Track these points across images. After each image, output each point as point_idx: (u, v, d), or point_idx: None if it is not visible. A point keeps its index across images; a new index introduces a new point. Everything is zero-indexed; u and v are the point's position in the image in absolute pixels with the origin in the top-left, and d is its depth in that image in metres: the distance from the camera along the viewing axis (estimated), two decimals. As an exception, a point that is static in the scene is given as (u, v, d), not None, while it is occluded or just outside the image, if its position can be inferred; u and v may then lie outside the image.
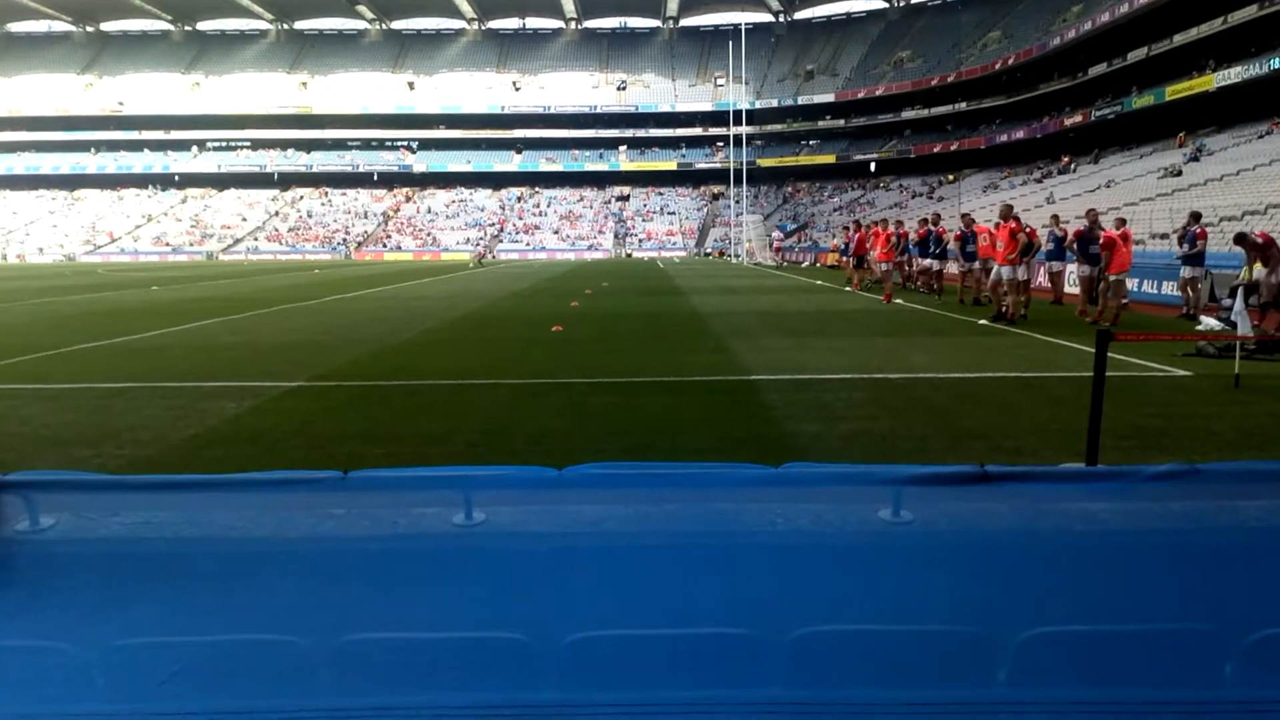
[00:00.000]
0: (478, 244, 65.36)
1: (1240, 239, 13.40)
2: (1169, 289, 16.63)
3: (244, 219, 78.79)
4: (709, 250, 69.31)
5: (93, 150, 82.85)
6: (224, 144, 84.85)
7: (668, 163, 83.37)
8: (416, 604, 1.66)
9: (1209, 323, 12.22)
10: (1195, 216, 14.57)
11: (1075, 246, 14.95)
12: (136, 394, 7.70)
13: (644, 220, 78.90)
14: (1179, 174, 37.24)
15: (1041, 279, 18.50)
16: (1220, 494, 1.81)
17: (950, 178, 65.20)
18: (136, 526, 1.91)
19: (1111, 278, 13.46)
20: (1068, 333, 11.94)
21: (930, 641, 1.51)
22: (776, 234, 57.95)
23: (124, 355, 10.48)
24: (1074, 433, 5.29)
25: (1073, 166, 52.80)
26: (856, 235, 23.23)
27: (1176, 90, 45.98)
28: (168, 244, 73.19)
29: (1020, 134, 61.24)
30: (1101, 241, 13.74)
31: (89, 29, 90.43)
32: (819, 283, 26.78)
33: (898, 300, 18.13)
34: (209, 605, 1.69)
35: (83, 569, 1.78)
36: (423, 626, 1.58)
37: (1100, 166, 49.23)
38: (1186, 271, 14.47)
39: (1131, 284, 18.64)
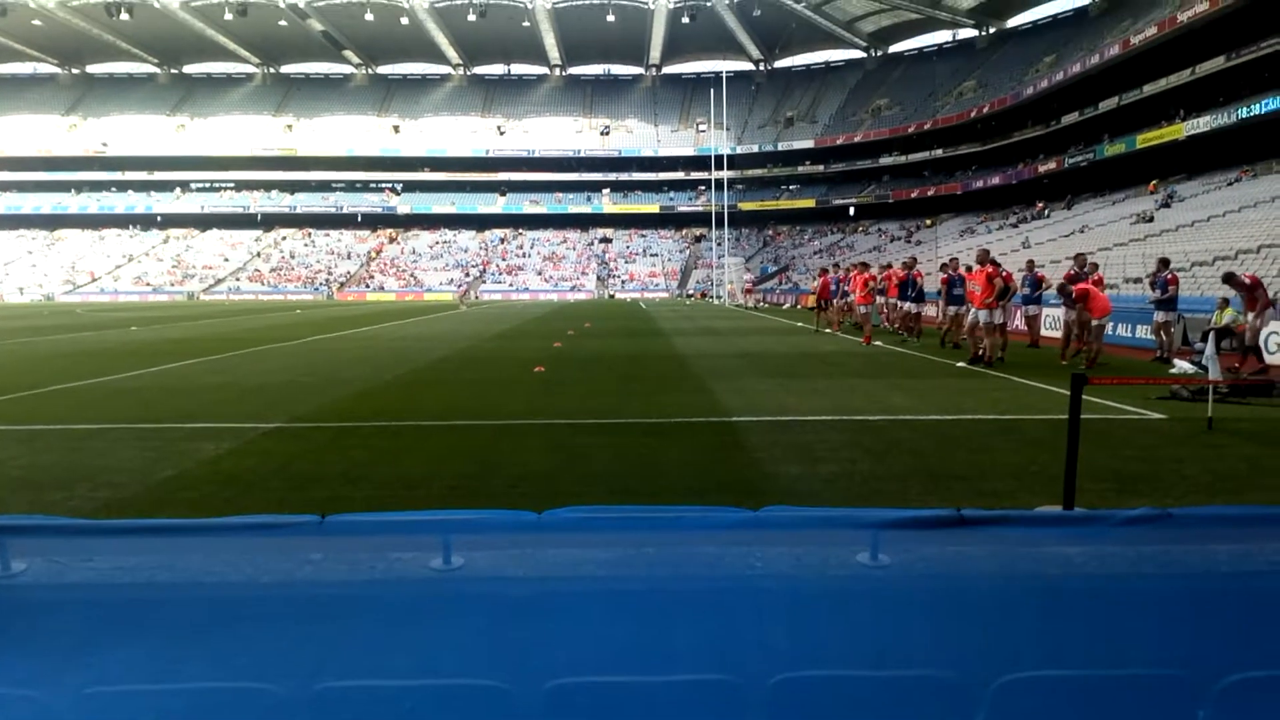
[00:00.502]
0: (460, 285, 65.43)
1: (1229, 278, 13.61)
2: (1143, 332, 16.87)
3: (226, 259, 78.61)
4: (691, 292, 69.77)
5: (74, 190, 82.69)
6: (208, 185, 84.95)
7: (650, 205, 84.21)
8: (394, 650, 1.65)
9: (1182, 366, 12.40)
10: (1164, 263, 14.84)
11: (1056, 289, 15.22)
12: (113, 435, 7.62)
13: (627, 262, 79.41)
14: (1151, 220, 38.00)
15: (1018, 322, 18.73)
16: (1191, 538, 1.84)
17: (928, 222, 66.20)
18: (110, 572, 1.88)
19: (1094, 322, 13.67)
20: (1045, 376, 12.07)
21: (908, 686, 1.51)
22: (748, 277, 58.49)
23: (101, 396, 10.38)
24: (1051, 475, 5.33)
25: (1047, 212, 53.78)
26: (820, 280, 23.56)
27: (1147, 139, 47.11)
28: (148, 284, 72.80)
29: (996, 180, 62.42)
30: (1075, 293, 13.97)
31: (74, 71, 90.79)
32: (799, 324, 26.96)
33: (877, 342, 18.28)
34: (184, 652, 1.67)
35: (55, 615, 1.76)
36: (400, 673, 1.57)
37: (1074, 212, 50.18)
38: (1159, 316, 14.70)
39: (1106, 328, 18.92)
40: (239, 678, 1.58)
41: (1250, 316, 13.13)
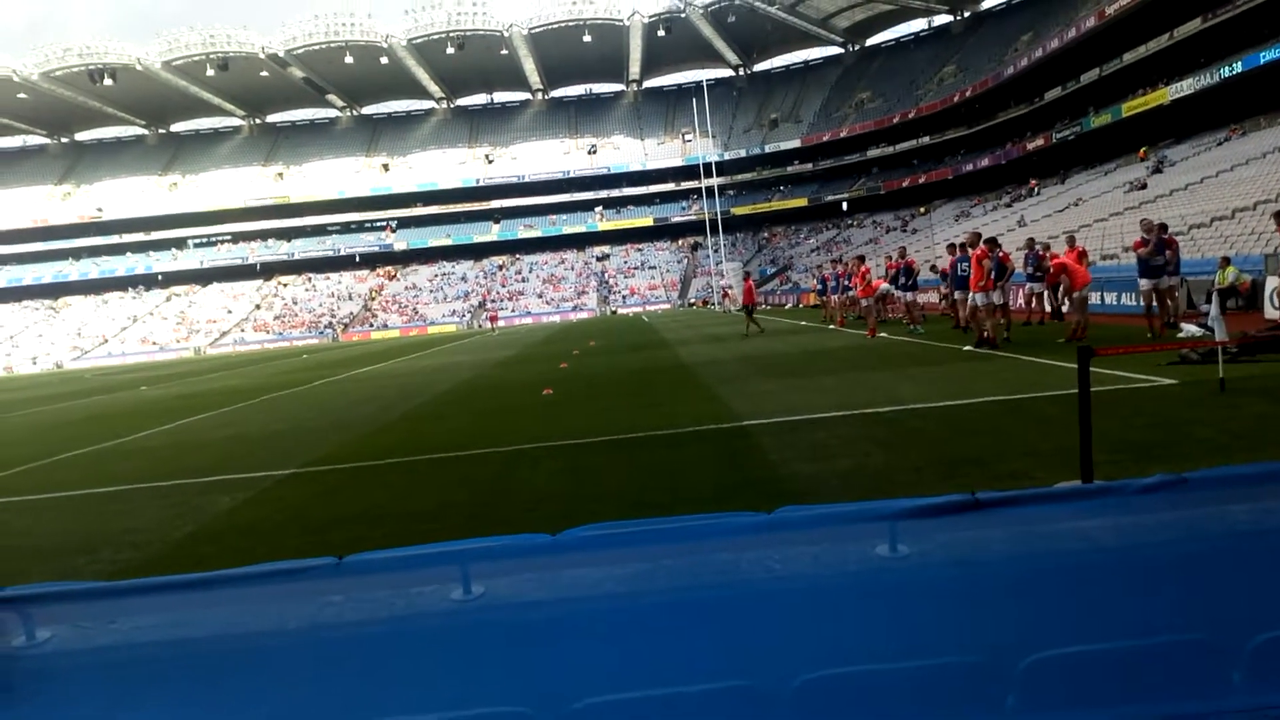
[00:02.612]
0: (486, 312, 66.19)
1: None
2: (1129, 300, 16.88)
3: (229, 311, 79.05)
4: (692, 301, 69.83)
5: (73, 259, 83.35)
6: (205, 240, 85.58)
7: (644, 219, 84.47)
8: (420, 685, 1.65)
9: (1189, 329, 12.34)
10: (1163, 227, 14.75)
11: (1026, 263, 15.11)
12: (131, 496, 7.64)
13: (626, 277, 79.56)
14: (1144, 187, 37.92)
15: (1020, 301, 18.69)
16: (1209, 501, 1.83)
17: (922, 210, 66.24)
18: (133, 632, 1.89)
19: (1075, 294, 13.67)
20: (1052, 352, 12.03)
21: (935, 675, 1.50)
22: (723, 282, 58.57)
23: (116, 458, 10.42)
24: (1067, 451, 5.31)
25: (1037, 189, 53.76)
26: (848, 271, 23.47)
27: (1133, 106, 47.11)
28: (154, 343, 73.20)
29: (985, 162, 62.45)
30: (1053, 268, 13.96)
31: (64, 140, 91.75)
32: (802, 323, 26.94)
33: (882, 334, 18.25)
34: (211, 704, 1.67)
35: (83, 679, 1.76)
36: (426, 708, 1.57)
37: (1067, 186, 50.13)
38: (1164, 282, 14.55)
39: (1110, 297, 18.90)
40: None
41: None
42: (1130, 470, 5.08)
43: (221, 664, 1.76)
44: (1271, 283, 13.72)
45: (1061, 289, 13.96)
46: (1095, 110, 50.85)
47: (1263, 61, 38.44)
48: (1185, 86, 43.03)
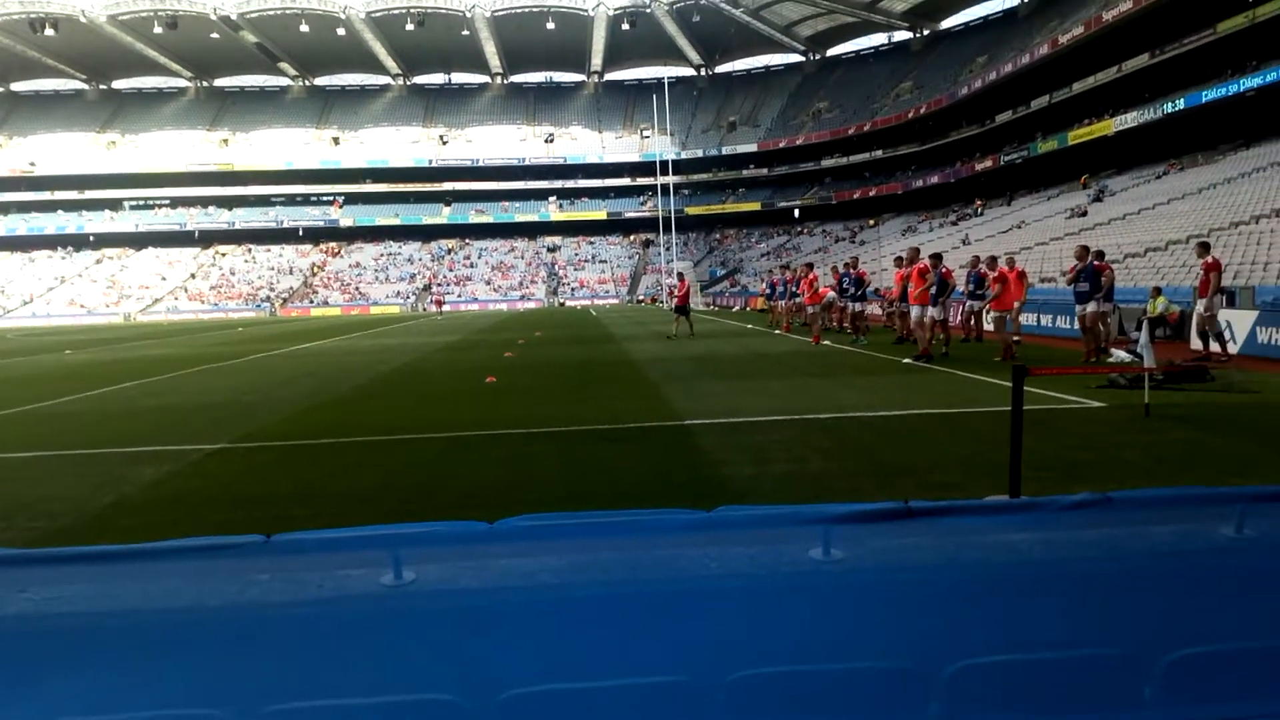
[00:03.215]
0: (432, 295, 65.32)
1: (1203, 249, 13.54)
2: (1064, 323, 17.51)
3: (163, 278, 76.68)
4: (641, 298, 69.92)
5: (2, 212, 79.97)
6: (142, 203, 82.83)
7: (597, 212, 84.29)
8: (345, 669, 1.62)
9: (1119, 355, 12.76)
10: (1099, 254, 15.18)
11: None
12: (49, 463, 7.37)
13: (576, 269, 79.33)
14: (1085, 214, 39.11)
15: (958, 319, 19.12)
16: (1132, 520, 1.89)
17: (871, 222, 67.36)
18: (47, 602, 1.82)
19: (1007, 313, 14.24)
20: (987, 369, 12.33)
21: (863, 678, 1.53)
22: (669, 280, 58.65)
23: (36, 422, 10.03)
24: (997, 466, 5.44)
25: (982, 210, 55.06)
26: (796, 278, 23.76)
27: (1078, 135, 48.54)
28: (83, 306, 70.68)
29: (935, 179, 63.74)
30: (995, 277, 14.52)
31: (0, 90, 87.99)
32: (749, 326, 27.17)
33: (826, 342, 18.50)
34: (129, 682, 1.62)
35: (-8, 648, 1.70)
36: (352, 692, 1.54)
37: (1012, 208, 51.44)
38: (1093, 307, 14.93)
39: (1046, 319, 19.45)
40: (187, 705, 1.54)
41: (1201, 302, 13.29)
42: (1057, 488, 5.23)
43: (141, 639, 1.70)
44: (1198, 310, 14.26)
45: (988, 302, 14.68)
46: (1043, 136, 52.27)
47: (1204, 100, 39.94)
48: (1129, 119, 44.48)
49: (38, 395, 12.82)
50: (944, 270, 14.70)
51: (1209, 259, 13.13)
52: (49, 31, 72.18)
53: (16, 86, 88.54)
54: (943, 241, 45.82)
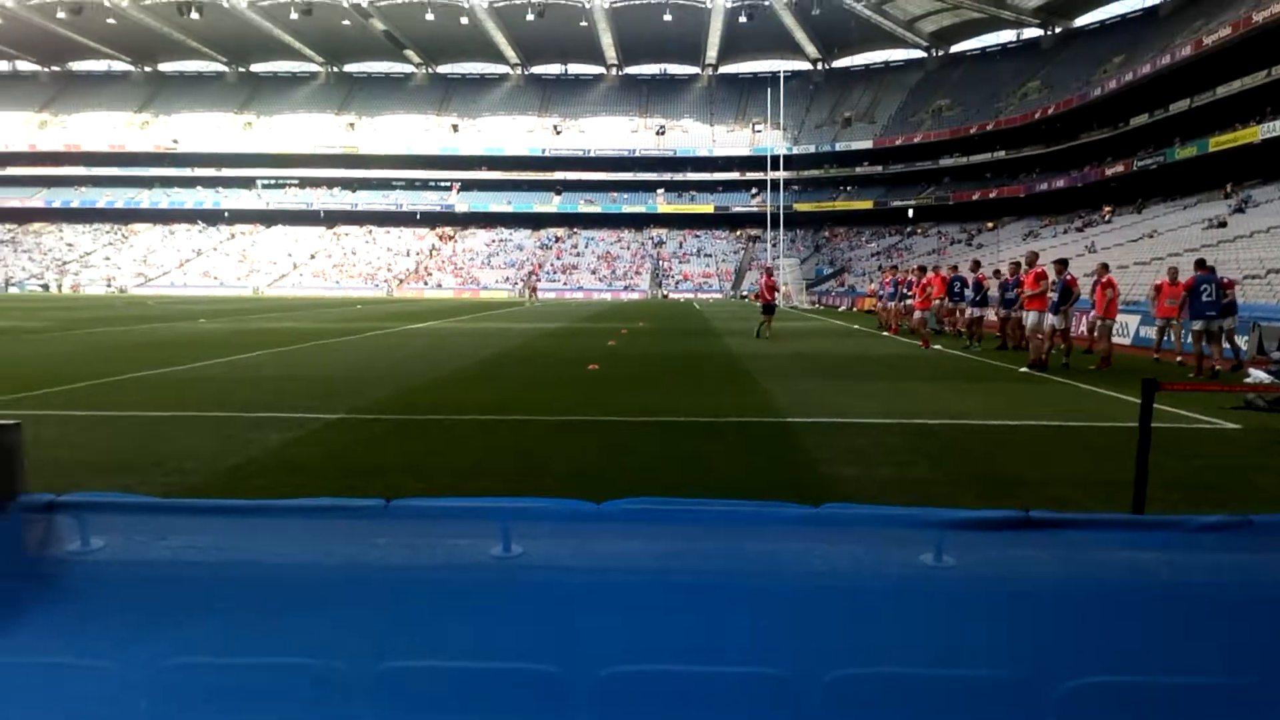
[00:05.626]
0: (529, 280, 66.08)
1: None
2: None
3: (289, 255, 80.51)
4: (744, 294, 69.40)
5: (145, 187, 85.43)
6: (273, 182, 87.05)
7: (705, 206, 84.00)
8: (454, 633, 1.67)
9: (1258, 375, 11.95)
10: (1212, 267, 14.19)
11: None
12: (182, 423, 7.86)
13: (680, 262, 79.35)
14: (1224, 225, 36.75)
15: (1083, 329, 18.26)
16: (1274, 546, 1.77)
17: (989, 225, 64.95)
18: (183, 550, 1.94)
19: (1100, 322, 13.69)
20: (1106, 382, 11.75)
21: (970, 687, 1.49)
22: (761, 279, 57.67)
23: (171, 385, 10.71)
24: (1117, 484, 5.19)
25: (1108, 217, 52.39)
26: (908, 279, 23.17)
27: (1220, 142, 45.57)
28: (215, 278, 74.91)
29: (1060, 183, 60.93)
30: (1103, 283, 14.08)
31: (147, 69, 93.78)
32: (855, 327, 26.66)
33: (936, 346, 17.99)
34: (251, 628, 1.71)
35: (130, 590, 1.82)
36: (459, 655, 1.59)
37: (1143, 216, 48.75)
38: (1224, 323, 13.86)
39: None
40: (304, 655, 1.62)
41: None
42: (1184, 510, 4.95)
43: (265, 590, 1.80)
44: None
45: (1090, 315, 14.11)
46: (1181, 141, 49.28)
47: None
48: (1278, 127, 41.50)
49: (174, 359, 13.68)
50: (1068, 277, 14.06)
51: None
52: (194, 15, 76.48)
53: (163, 67, 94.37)
54: (1066, 249, 43.81)
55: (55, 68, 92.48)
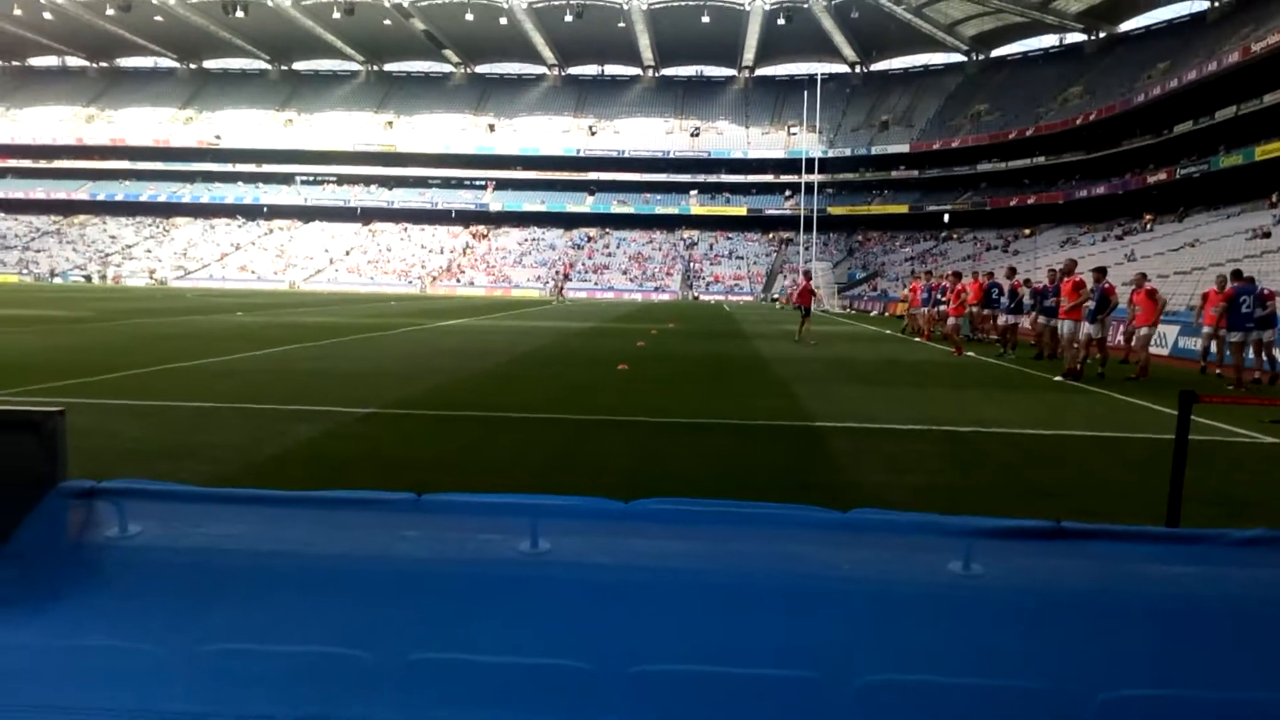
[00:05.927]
0: (558, 280, 66.23)
1: None
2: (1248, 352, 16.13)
3: (326, 251, 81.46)
4: (776, 297, 69.00)
5: (187, 182, 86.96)
6: (311, 178, 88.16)
7: (738, 208, 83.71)
8: (483, 628, 1.69)
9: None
10: (1251, 278, 13.93)
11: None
12: (218, 414, 7.98)
13: (712, 264, 79.16)
14: (1268, 235, 35.93)
15: (1119, 338, 17.96)
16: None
17: (1026, 232, 64.06)
18: (219, 538, 1.98)
19: (1140, 331, 13.49)
20: (1143, 393, 11.54)
21: (1001, 696, 1.47)
22: (788, 283, 57.33)
23: (208, 376, 10.88)
24: (1152, 496, 5.10)
25: (1150, 226, 51.43)
26: (942, 285, 22.91)
27: (1267, 150, 44.57)
28: (253, 272, 75.98)
29: (1100, 190, 59.91)
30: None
31: (192, 66, 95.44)
32: (887, 332, 26.43)
33: (969, 353, 17.79)
34: (284, 615, 1.74)
35: (166, 575, 1.86)
36: (489, 649, 1.61)
37: (1185, 225, 47.81)
38: (1261, 335, 13.57)
39: (1191, 342, 18.06)
40: (335, 643, 1.64)
41: None
42: (1221, 524, 4.85)
43: (298, 579, 1.83)
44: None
45: (1127, 324, 13.86)
46: (1226, 150, 48.27)
47: None
48: (1328, 135, 40.53)
49: (212, 351, 13.90)
50: (1106, 286, 13.83)
51: None
52: (238, 14, 77.63)
53: (208, 64, 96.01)
54: (1105, 256, 43.09)
55: (103, 64, 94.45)
